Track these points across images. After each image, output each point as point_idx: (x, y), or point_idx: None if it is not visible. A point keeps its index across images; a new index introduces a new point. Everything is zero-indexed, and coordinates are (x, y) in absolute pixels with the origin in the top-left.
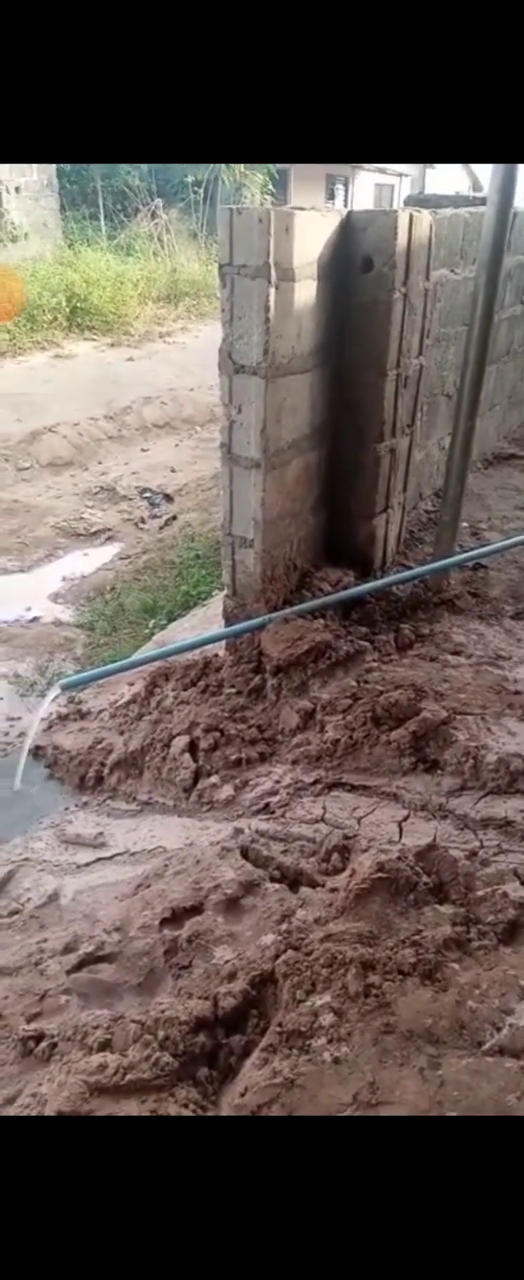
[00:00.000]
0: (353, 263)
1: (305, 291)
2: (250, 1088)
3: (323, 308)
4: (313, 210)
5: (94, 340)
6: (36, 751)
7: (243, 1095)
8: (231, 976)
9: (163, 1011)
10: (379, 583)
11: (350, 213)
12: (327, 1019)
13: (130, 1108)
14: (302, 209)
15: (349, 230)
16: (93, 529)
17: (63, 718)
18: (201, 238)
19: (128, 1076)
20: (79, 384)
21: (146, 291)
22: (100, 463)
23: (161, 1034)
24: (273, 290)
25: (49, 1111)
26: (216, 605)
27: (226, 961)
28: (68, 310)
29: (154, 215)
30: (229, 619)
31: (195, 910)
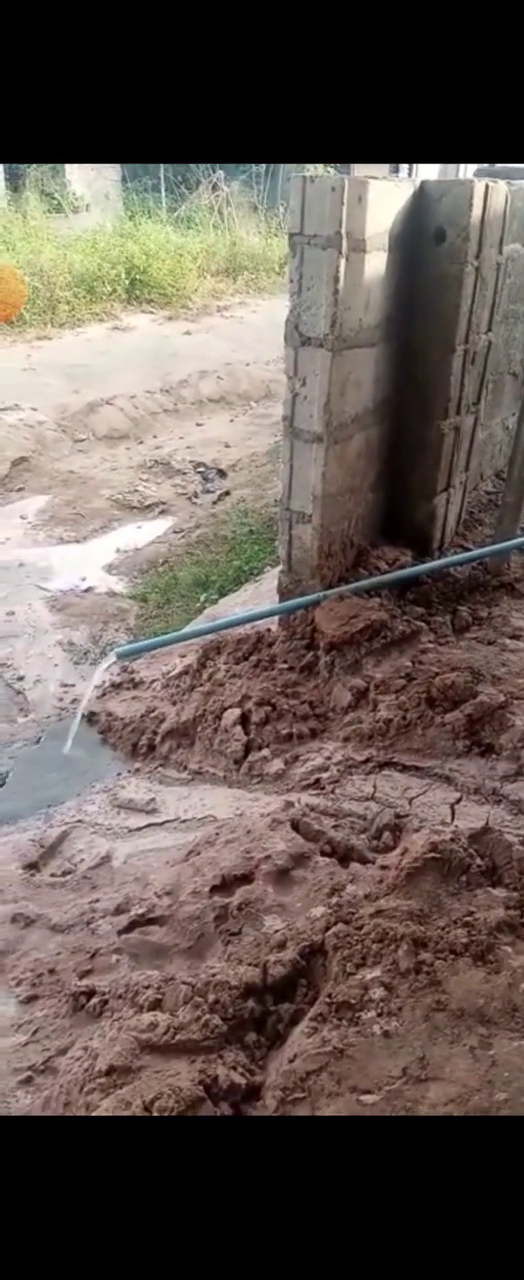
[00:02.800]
0: (425, 234)
1: (375, 263)
2: (299, 1054)
3: (392, 280)
4: (386, 180)
5: (152, 313)
6: (91, 717)
7: (291, 1061)
8: (281, 945)
9: (213, 976)
10: (437, 563)
11: (424, 183)
12: (377, 993)
13: (180, 1066)
14: (375, 178)
15: (422, 201)
16: (147, 502)
17: (116, 686)
18: (262, 211)
19: (178, 1036)
20: (136, 357)
21: (205, 265)
22: (155, 436)
23: (211, 997)
24: (343, 261)
25: (100, 1065)
26: (268, 581)
27: (276, 931)
28: (127, 282)
29: (215, 188)
30: (283, 594)
31: (246, 879)
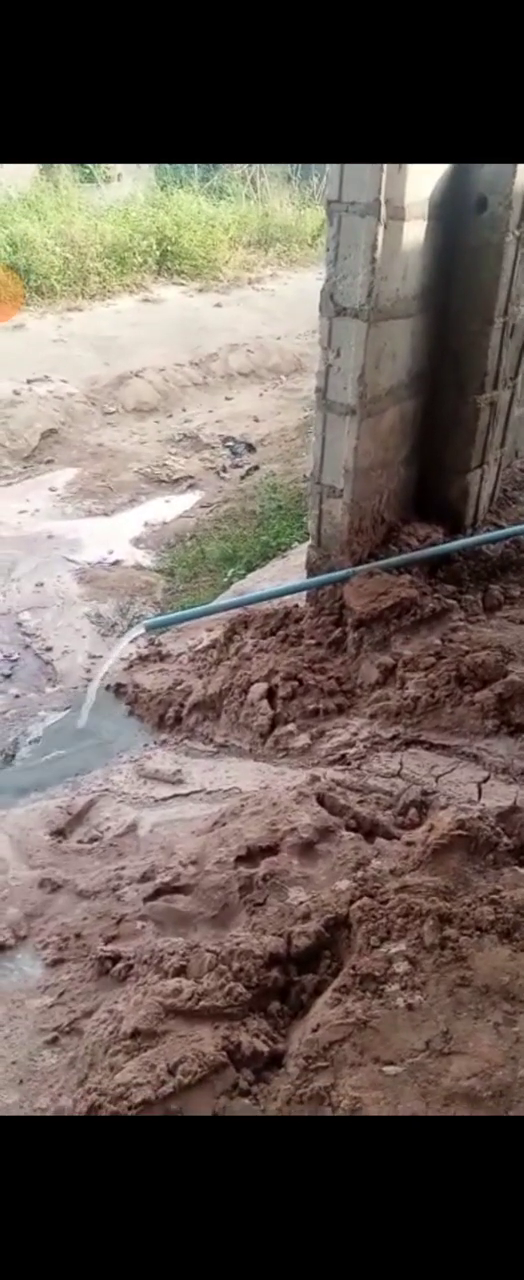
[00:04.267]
0: (466, 202)
1: (414, 231)
2: (323, 1024)
3: (430, 249)
4: None
5: (182, 285)
6: (118, 689)
7: (315, 1031)
8: (305, 917)
9: (237, 944)
10: (469, 540)
11: None
12: (401, 966)
13: (203, 1032)
14: None
15: (464, 168)
16: (175, 476)
17: (143, 658)
18: (295, 182)
19: (202, 1002)
20: (166, 329)
21: (237, 236)
22: (184, 410)
23: (236, 965)
24: (381, 229)
25: (125, 1028)
26: (296, 557)
27: (301, 902)
28: (158, 254)
29: None
30: (312, 570)
31: (271, 850)
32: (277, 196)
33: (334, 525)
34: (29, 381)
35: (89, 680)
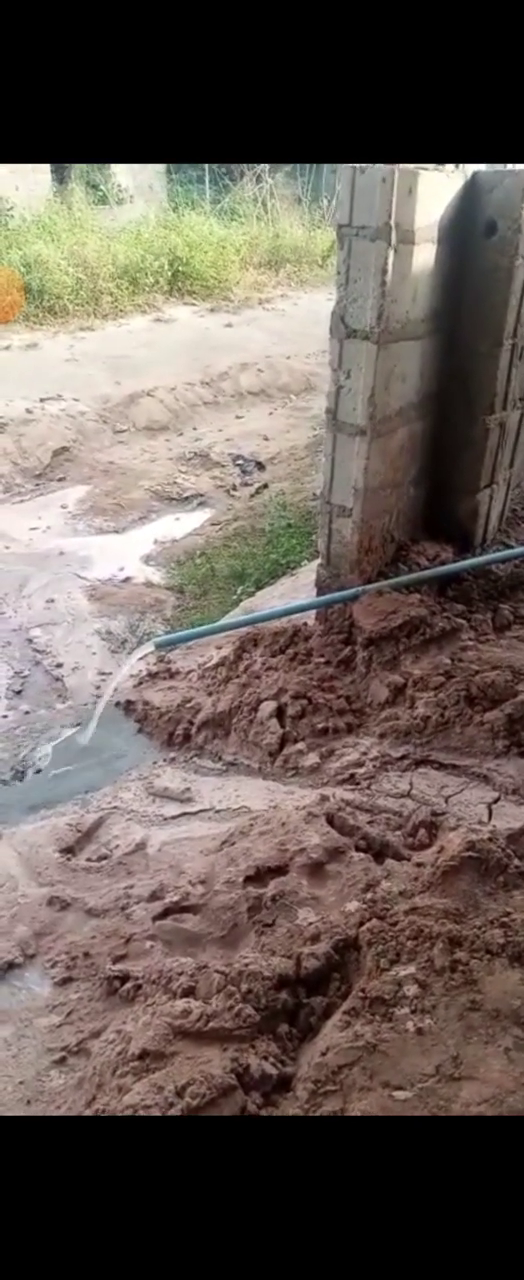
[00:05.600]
0: (475, 226)
1: (423, 255)
2: (332, 1048)
3: (440, 273)
4: (437, 170)
5: (194, 305)
6: (127, 706)
7: (324, 1055)
8: (315, 938)
9: (246, 965)
10: (479, 560)
11: (476, 173)
12: (411, 989)
13: (212, 1054)
14: (426, 168)
15: (474, 192)
16: (185, 494)
17: (153, 675)
18: (306, 203)
19: (211, 1024)
20: (177, 348)
21: (248, 257)
22: (195, 428)
23: (244, 987)
24: (391, 253)
25: (133, 1049)
26: (305, 575)
27: (310, 923)
28: (169, 274)
29: (259, 180)
30: (321, 588)
31: (280, 871)
32: (287, 218)
33: (344, 544)
34: (42, 400)
35: (99, 697)
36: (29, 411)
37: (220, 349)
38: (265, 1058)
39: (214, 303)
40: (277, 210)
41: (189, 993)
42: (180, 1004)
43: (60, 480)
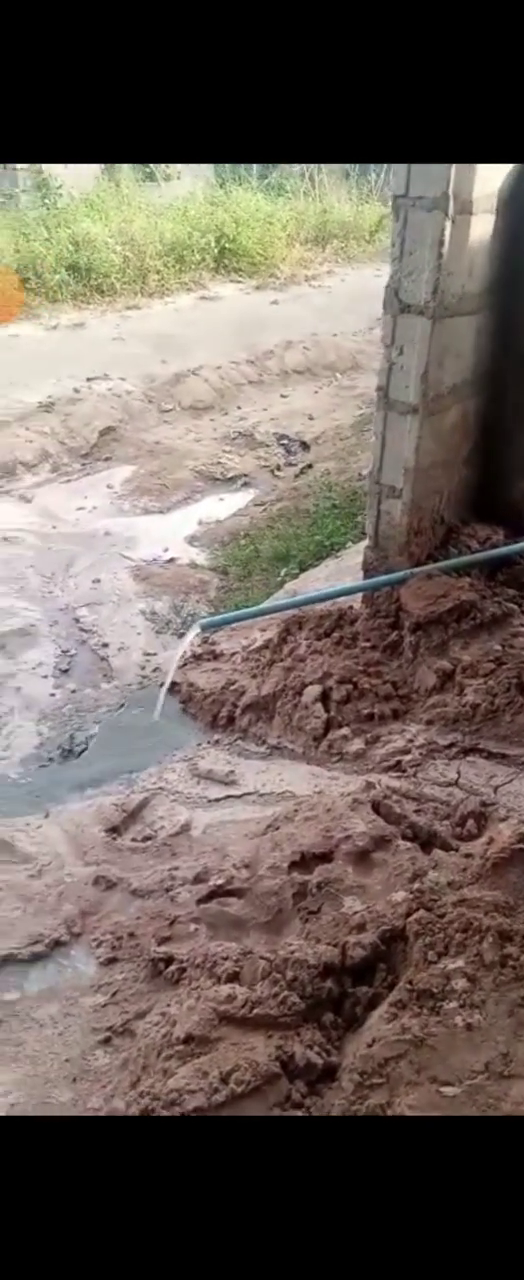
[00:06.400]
0: None
1: (482, 226)
2: (378, 1039)
3: (498, 245)
4: None
5: (240, 282)
6: (172, 687)
7: (370, 1046)
8: (361, 928)
9: (291, 952)
10: None
11: None
12: (459, 983)
13: (257, 1041)
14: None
15: None
16: (229, 474)
17: (197, 657)
18: (353, 178)
19: (255, 1010)
20: (223, 327)
21: (295, 233)
22: (239, 407)
23: (290, 974)
24: (448, 224)
25: (178, 1032)
26: (350, 557)
27: (356, 912)
28: (216, 251)
29: None
30: (368, 571)
31: (325, 858)
32: (335, 192)
33: (392, 526)
34: (89, 380)
35: (144, 677)
36: (76, 391)
37: (266, 327)
38: (310, 1046)
39: (260, 280)
40: (324, 185)
41: (234, 978)
42: (225, 989)
43: (106, 460)
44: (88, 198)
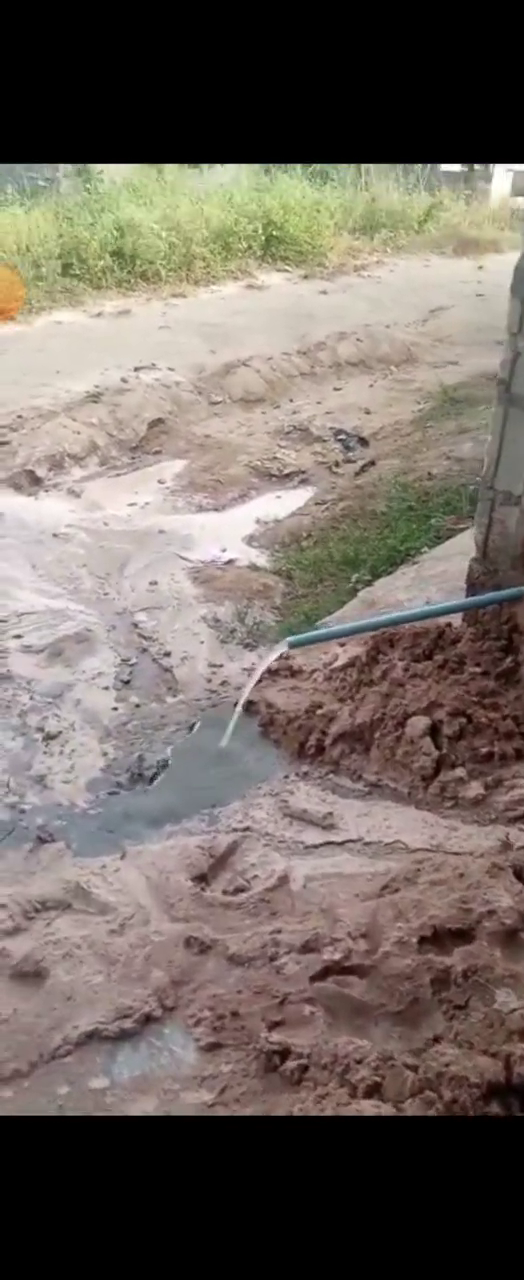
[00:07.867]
0: None
1: None
2: None
3: None
4: None
5: (287, 271)
6: (248, 706)
7: None
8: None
9: (446, 1065)
10: None
11: None
12: None
13: None
14: None
15: None
16: (286, 470)
17: (272, 673)
18: (400, 167)
19: None
20: (271, 316)
21: (342, 221)
22: (291, 400)
23: (447, 1094)
24: None
25: None
26: (430, 566)
27: (513, 1010)
28: (263, 239)
29: None
30: (474, 585)
31: (463, 935)
32: (383, 181)
33: (506, 537)
34: (136, 369)
35: (212, 691)
36: (124, 381)
37: (315, 317)
38: None
39: (307, 269)
40: (372, 173)
41: (374, 1091)
42: (366, 1105)
43: (156, 453)
44: (131, 183)
